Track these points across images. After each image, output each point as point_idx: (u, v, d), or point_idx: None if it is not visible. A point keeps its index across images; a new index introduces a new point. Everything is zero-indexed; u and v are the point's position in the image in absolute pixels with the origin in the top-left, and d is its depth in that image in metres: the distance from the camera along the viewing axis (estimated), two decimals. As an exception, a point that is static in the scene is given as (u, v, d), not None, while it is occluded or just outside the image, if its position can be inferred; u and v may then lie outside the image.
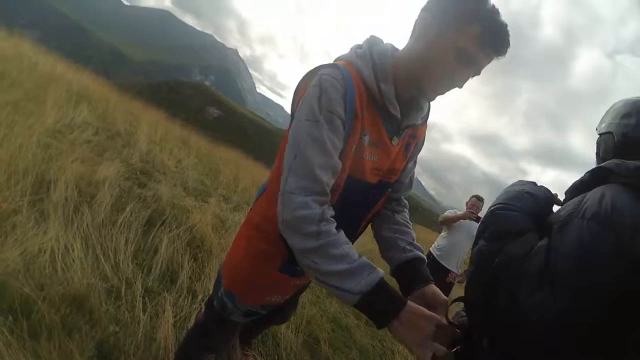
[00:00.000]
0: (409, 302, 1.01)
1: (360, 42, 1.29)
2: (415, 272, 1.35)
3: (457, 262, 5.48)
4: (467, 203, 5.54)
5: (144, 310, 2.31)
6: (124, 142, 5.85)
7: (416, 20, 1.20)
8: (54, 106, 5.25)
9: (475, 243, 1.11)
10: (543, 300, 0.87)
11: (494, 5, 1.09)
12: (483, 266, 1.03)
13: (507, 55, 1.15)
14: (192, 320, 2.40)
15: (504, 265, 0.97)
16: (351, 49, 1.28)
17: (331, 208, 1.12)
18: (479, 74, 1.18)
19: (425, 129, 1.45)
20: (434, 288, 1.28)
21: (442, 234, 5.64)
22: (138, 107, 11.95)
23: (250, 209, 1.57)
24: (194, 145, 9.68)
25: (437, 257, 5.46)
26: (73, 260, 2.35)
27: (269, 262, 1.40)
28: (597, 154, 1.27)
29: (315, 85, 1.13)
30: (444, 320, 1.08)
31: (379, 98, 1.19)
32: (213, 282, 2.05)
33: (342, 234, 1.08)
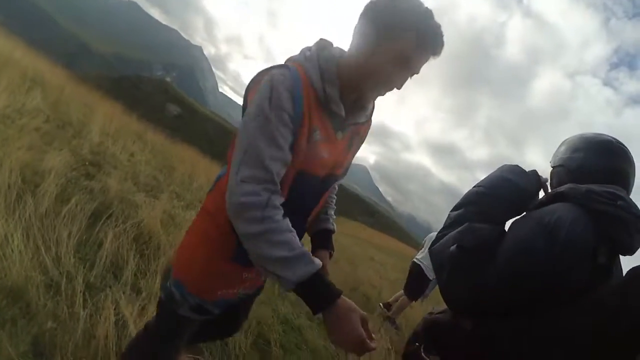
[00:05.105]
0: (342, 297, 1.09)
1: (311, 45, 1.37)
2: (319, 239, 1.62)
3: None
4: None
5: (84, 307, 2.21)
6: (74, 132, 5.66)
7: (355, 27, 1.27)
8: (6, 90, 5.10)
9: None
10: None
11: (427, 8, 1.18)
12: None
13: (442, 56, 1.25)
14: (133, 318, 2.30)
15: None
16: (301, 51, 1.35)
17: (280, 197, 1.19)
18: (417, 72, 1.27)
19: (369, 127, 1.55)
20: (324, 254, 1.58)
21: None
22: (95, 98, 11.60)
23: (208, 193, 1.61)
24: (150, 141, 9.43)
25: (425, 270, 5.80)
26: (12, 251, 2.26)
27: (222, 250, 1.43)
28: (551, 184, 1.43)
29: (266, 84, 1.20)
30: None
31: (324, 99, 1.27)
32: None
33: (286, 221, 1.15)
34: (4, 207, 2.61)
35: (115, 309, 2.28)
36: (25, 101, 5.36)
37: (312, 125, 1.26)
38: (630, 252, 1.11)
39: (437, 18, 1.19)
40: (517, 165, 1.37)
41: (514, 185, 1.29)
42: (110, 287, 2.53)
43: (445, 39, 1.21)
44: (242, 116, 1.29)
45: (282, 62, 1.34)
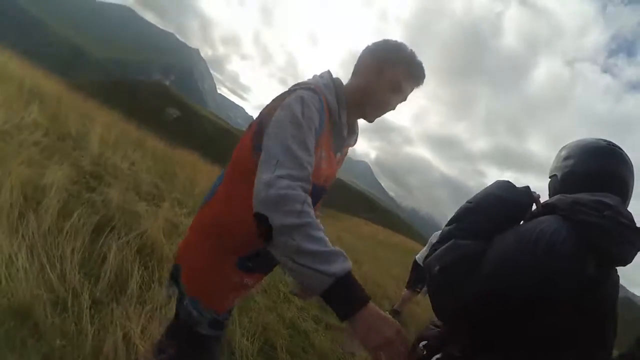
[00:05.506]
0: (371, 302, 1.07)
1: (319, 73, 1.59)
2: None
3: None
4: None
5: (92, 323, 2.22)
6: (74, 144, 5.65)
7: (357, 63, 1.59)
8: (3, 105, 5.09)
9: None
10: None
11: (411, 50, 1.53)
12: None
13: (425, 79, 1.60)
14: (139, 331, 2.32)
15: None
16: (314, 77, 1.57)
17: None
18: (405, 100, 1.61)
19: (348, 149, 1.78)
20: None
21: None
22: (93, 107, 11.58)
23: (202, 207, 1.62)
24: (150, 148, 9.40)
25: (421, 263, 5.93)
26: (17, 270, 2.27)
27: (227, 257, 1.50)
28: (549, 195, 1.45)
29: (297, 99, 1.35)
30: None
31: (337, 121, 1.50)
32: (164, 287, 2.01)
33: (319, 221, 1.17)
34: (8, 227, 2.61)
35: (121, 322, 2.30)
36: (23, 115, 5.33)
37: (322, 141, 1.43)
38: (622, 262, 1.09)
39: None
40: (507, 181, 1.38)
41: (502, 200, 1.30)
42: (116, 301, 2.54)
43: (426, 72, 1.57)
44: (259, 128, 1.39)
45: (301, 84, 1.50)
